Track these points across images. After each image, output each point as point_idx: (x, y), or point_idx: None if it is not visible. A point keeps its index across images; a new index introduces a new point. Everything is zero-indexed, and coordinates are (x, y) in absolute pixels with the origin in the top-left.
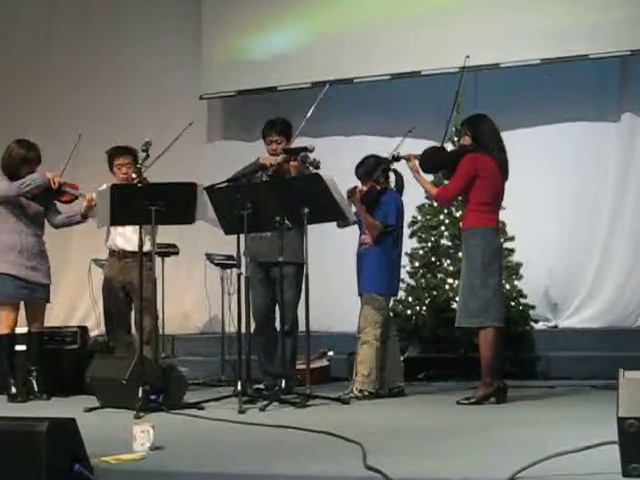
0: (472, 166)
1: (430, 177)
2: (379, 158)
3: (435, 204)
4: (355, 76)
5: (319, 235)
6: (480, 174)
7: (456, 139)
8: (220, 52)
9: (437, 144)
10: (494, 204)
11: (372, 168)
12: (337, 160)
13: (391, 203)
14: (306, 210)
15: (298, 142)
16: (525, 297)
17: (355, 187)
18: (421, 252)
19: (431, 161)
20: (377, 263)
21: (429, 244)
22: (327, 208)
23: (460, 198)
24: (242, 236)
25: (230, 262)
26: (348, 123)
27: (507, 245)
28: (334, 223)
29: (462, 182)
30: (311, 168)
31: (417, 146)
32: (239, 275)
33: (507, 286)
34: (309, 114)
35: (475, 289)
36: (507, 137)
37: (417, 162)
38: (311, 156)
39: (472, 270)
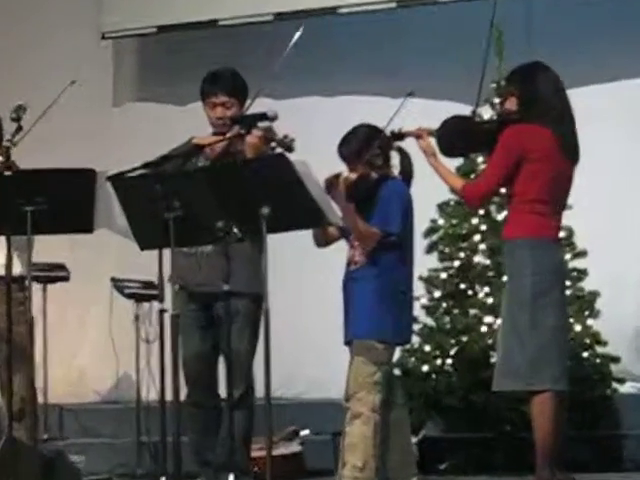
0: (516, 143)
1: (453, 162)
2: (374, 129)
3: None
4: (341, 4)
5: (285, 250)
6: (529, 155)
7: (497, 101)
8: None
9: (467, 110)
10: (553, 201)
11: (364, 144)
12: (313, 133)
13: (394, 198)
14: (266, 211)
15: (256, 104)
16: (604, 344)
17: (338, 174)
18: (444, 275)
19: (455, 138)
20: (374, 292)
21: (457, 263)
22: (298, 207)
23: (503, 191)
24: (168, 252)
25: (149, 292)
26: (330, 77)
27: (576, 264)
28: (309, 234)
29: (501, 169)
30: (279, 149)
31: (433, 112)
32: (162, 312)
33: (576, 327)
34: (278, 65)
35: (522, 332)
36: (576, 98)
37: (433, 140)
38: (277, 129)
39: (517, 302)
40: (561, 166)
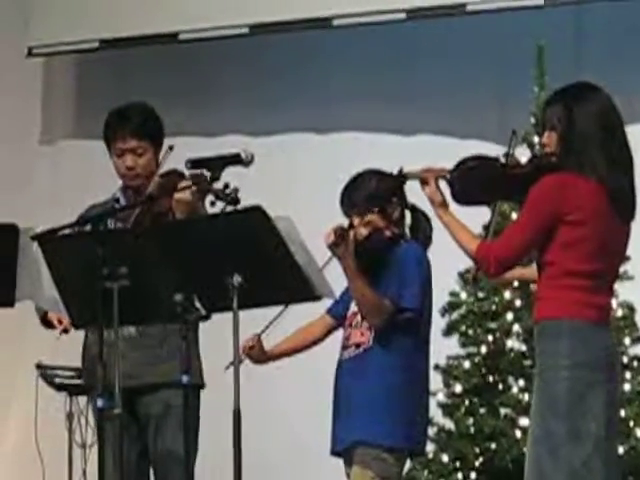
0: (552, 200)
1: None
2: (387, 176)
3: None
4: (337, 14)
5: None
6: (568, 217)
7: (536, 142)
8: None
9: (496, 152)
10: (600, 273)
11: (378, 189)
12: (297, 180)
13: (411, 265)
14: (237, 280)
15: (223, 143)
16: None
17: (349, 226)
18: (467, 364)
19: (474, 183)
20: (382, 385)
21: (483, 349)
22: (278, 277)
23: (536, 261)
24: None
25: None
26: (323, 106)
27: (637, 351)
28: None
29: (529, 231)
30: (218, 202)
31: (451, 153)
32: (101, 410)
33: (638, 433)
34: None
35: (557, 443)
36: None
37: (444, 184)
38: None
39: (551, 404)
40: (611, 228)
